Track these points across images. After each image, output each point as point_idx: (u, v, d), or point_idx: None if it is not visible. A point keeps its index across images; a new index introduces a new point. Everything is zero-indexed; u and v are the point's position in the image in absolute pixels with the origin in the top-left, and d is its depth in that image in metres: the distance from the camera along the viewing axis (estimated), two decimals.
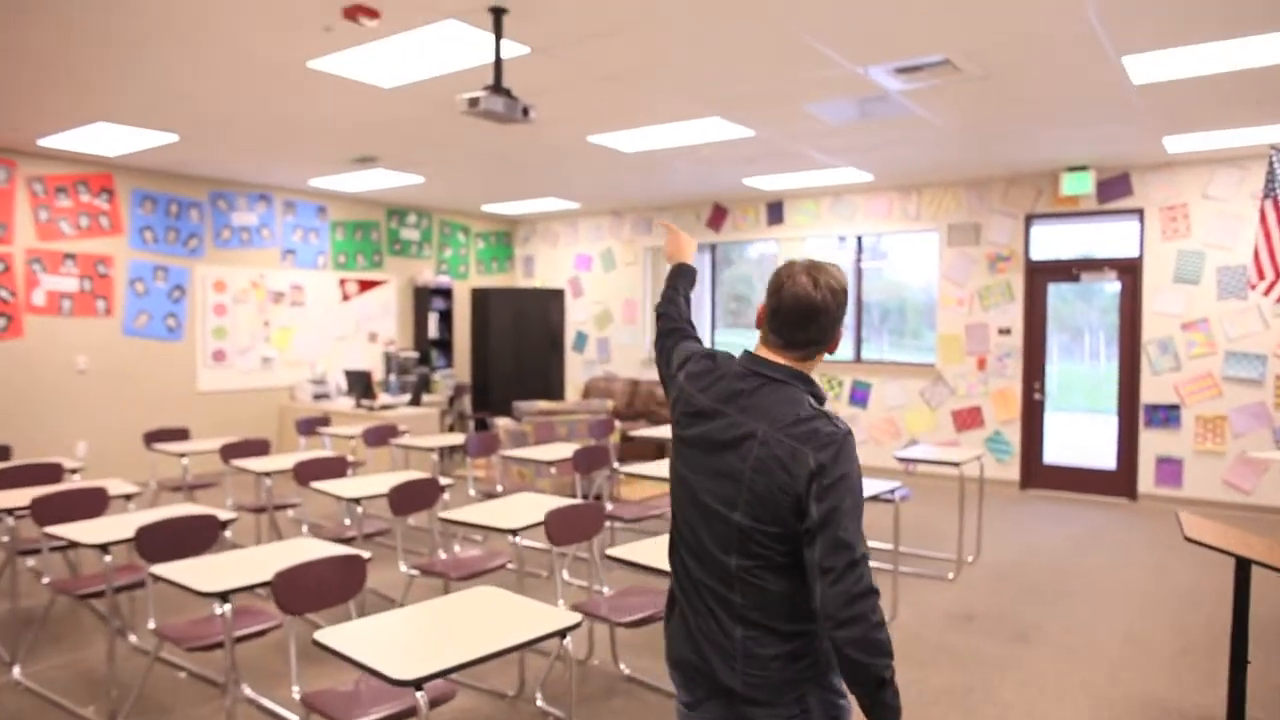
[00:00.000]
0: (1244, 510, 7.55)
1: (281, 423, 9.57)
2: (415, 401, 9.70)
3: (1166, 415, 7.97)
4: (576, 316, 11.84)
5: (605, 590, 3.93)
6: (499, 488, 6.52)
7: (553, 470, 6.02)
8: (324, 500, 4.92)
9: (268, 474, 5.40)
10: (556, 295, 11.62)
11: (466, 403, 11.30)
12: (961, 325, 8.96)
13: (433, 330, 11.12)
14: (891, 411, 9.40)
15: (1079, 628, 4.69)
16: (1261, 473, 7.55)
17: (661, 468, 5.69)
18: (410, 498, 4.54)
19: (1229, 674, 3.22)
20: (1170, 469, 7.97)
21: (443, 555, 4.66)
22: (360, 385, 9.05)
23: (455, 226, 11.67)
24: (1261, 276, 5.94)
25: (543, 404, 8.03)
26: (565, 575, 5.33)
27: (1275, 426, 7.49)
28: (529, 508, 4.23)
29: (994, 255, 8.77)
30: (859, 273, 9.74)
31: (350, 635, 2.46)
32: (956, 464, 5.81)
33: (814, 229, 9.86)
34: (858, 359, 9.75)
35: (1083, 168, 7.97)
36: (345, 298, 10.35)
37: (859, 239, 9.70)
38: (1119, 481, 8.24)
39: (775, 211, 10.09)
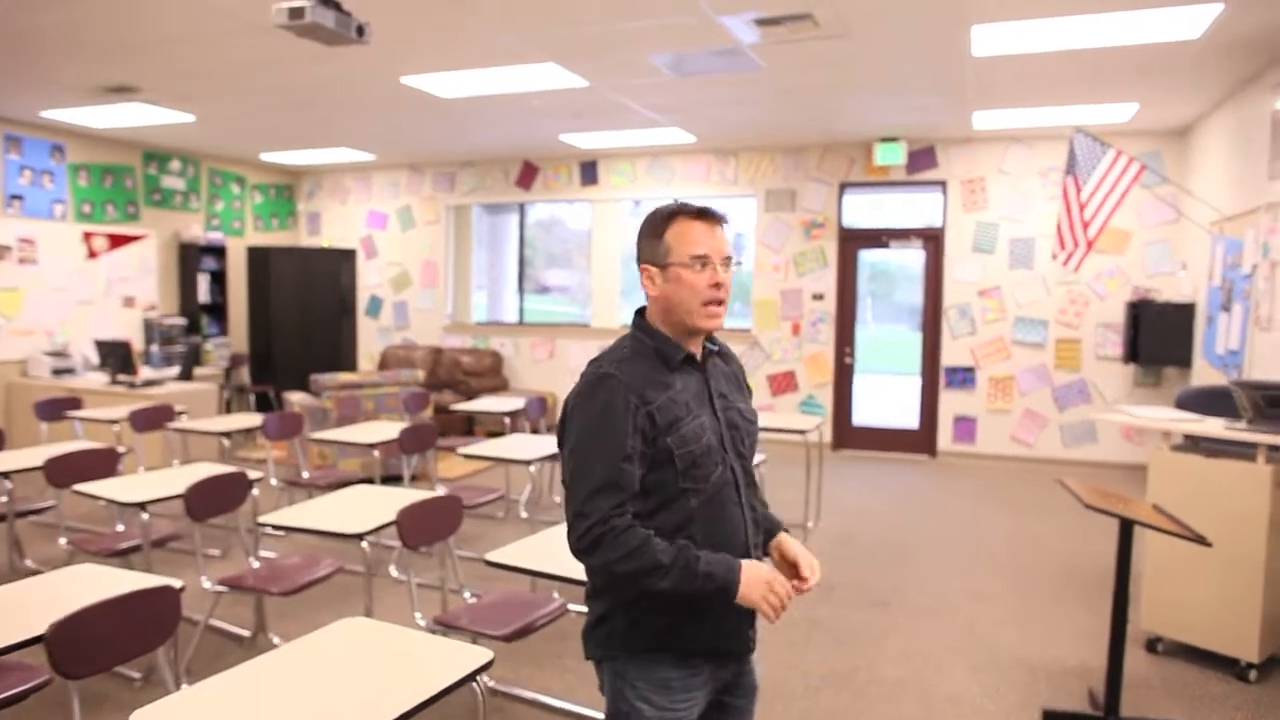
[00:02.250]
0: (1028, 462, 8.18)
1: (10, 405, 7.98)
2: (185, 376, 8.46)
3: (964, 377, 8.45)
4: (370, 279, 10.84)
5: (469, 596, 3.41)
6: (304, 474, 5.72)
7: (376, 453, 5.31)
8: (78, 499, 3.98)
9: (5, 474, 4.33)
10: (347, 256, 10.55)
11: (245, 375, 10.05)
12: (777, 291, 9.03)
13: (203, 294, 9.72)
14: None
15: (931, 590, 4.74)
16: (1042, 428, 8.19)
17: (489, 445, 5.17)
18: (212, 498, 3.74)
19: (1110, 629, 3.26)
20: (966, 426, 8.48)
21: (255, 564, 3.89)
22: (117, 358, 7.70)
23: (229, 176, 10.24)
24: (1063, 247, 6.30)
25: (345, 376, 7.17)
26: (404, 579, 4.71)
27: (1055, 386, 8.14)
28: (365, 503, 3.60)
29: (809, 222, 8.87)
30: None
31: None
32: (803, 432, 5.74)
33: (630, 190, 9.55)
34: None
35: (894, 139, 8.18)
36: (92, 254, 8.76)
37: (674, 201, 9.48)
38: (921, 440, 8.68)
39: (589, 171, 9.67)
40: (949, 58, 5.41)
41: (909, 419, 8.77)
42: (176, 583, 2.47)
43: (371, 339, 10.85)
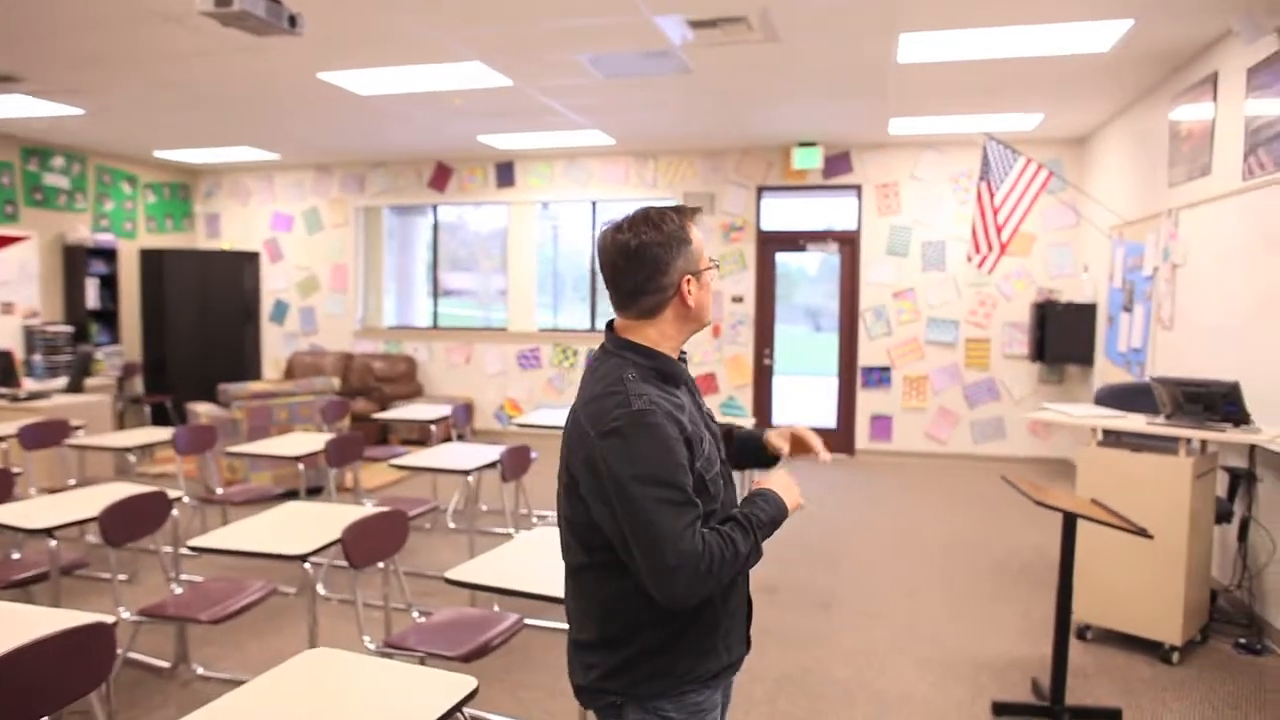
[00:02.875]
0: (941, 458, 8.44)
1: None
2: (74, 387, 7.88)
3: (880, 376, 8.66)
4: (275, 283, 10.36)
5: (417, 615, 3.25)
6: (218, 490, 5.40)
7: (301, 466, 5.04)
8: None
9: None
10: (250, 259, 10.07)
11: (138, 385, 9.46)
12: None
13: (91, 299, 9.10)
14: None
15: (868, 590, 4.81)
16: (954, 425, 8.47)
17: (424, 455, 5.00)
18: (130, 520, 3.46)
19: (1055, 620, 3.36)
20: (882, 425, 8.70)
21: (177, 590, 3.63)
22: None
23: (119, 175, 9.61)
24: (978, 250, 6.52)
25: (256, 385, 6.82)
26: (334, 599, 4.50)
27: (965, 384, 8.43)
28: (298, 521, 3.41)
29: (728, 225, 8.94)
30: (594, 239, 9.47)
31: None
32: None
33: (548, 192, 9.42)
34: (593, 328, 9.53)
35: (812, 143, 8.32)
36: None
37: (594, 204, 9.43)
38: (839, 439, 8.84)
39: (506, 173, 9.50)
40: (875, 64, 5.52)
41: (827, 418, 8.93)
42: (107, 617, 2.26)
43: (277, 345, 10.38)
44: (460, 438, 6.58)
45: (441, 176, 9.67)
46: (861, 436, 8.73)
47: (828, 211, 8.88)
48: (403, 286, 10.63)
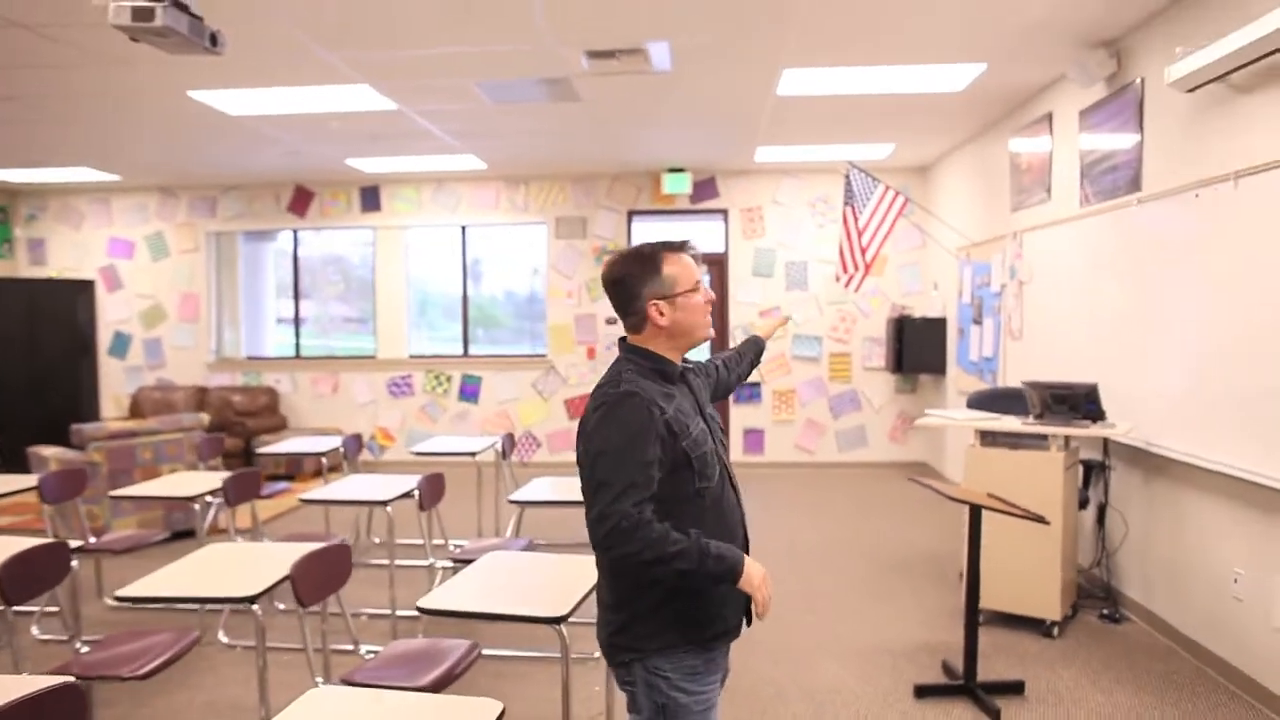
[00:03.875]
0: (811, 467, 8.91)
1: None
2: None
3: (751, 392, 9.05)
4: (114, 314, 9.60)
5: (364, 651, 3.17)
6: (90, 539, 4.97)
7: (197, 506, 4.71)
8: None
9: None
10: (84, 288, 9.31)
11: None
12: (571, 316, 9.17)
13: None
14: (504, 405, 9.27)
15: (780, 595, 4.98)
16: (820, 435, 8.97)
17: (334, 488, 4.82)
18: (29, 575, 3.17)
19: (965, 606, 3.69)
20: (755, 438, 9.08)
21: (83, 648, 3.34)
22: None
23: None
24: (845, 270, 6.99)
25: (115, 424, 6.32)
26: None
27: (830, 396, 8.95)
28: (223, 563, 3.24)
29: (600, 248, 9.11)
30: (464, 264, 9.40)
31: None
32: None
33: (416, 217, 9.27)
34: (465, 353, 9.42)
35: (681, 169, 8.64)
36: None
37: (463, 229, 9.35)
38: None
39: (371, 197, 9.27)
40: (756, 96, 5.85)
41: None
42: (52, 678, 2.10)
43: (117, 381, 9.60)
44: (354, 470, 6.35)
45: (301, 200, 9.31)
46: (735, 450, 9.07)
47: (696, 234, 9.18)
48: (255, 315, 10.11)
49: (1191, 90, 3.83)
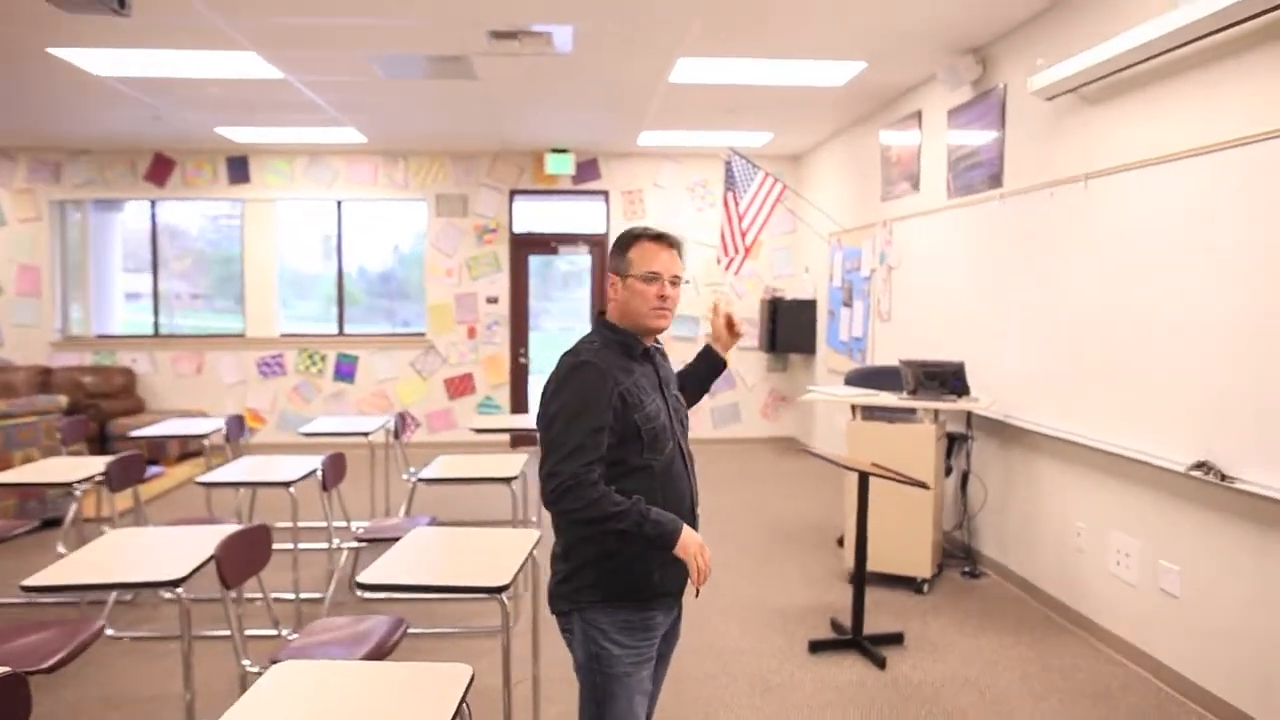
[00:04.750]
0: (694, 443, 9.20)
1: None
2: None
3: None
4: None
5: (287, 634, 3.15)
6: None
7: (78, 491, 4.44)
8: None
9: None
10: None
11: None
12: (451, 295, 9.09)
13: None
14: (382, 384, 9.10)
15: None
16: (695, 412, 9.28)
17: (227, 471, 4.66)
18: None
19: (854, 567, 4.02)
20: None
21: None
22: None
23: None
24: (727, 253, 7.28)
25: None
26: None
27: None
28: (126, 548, 3.15)
29: (481, 227, 9.06)
30: (339, 240, 9.13)
31: None
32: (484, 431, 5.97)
33: (287, 190, 8.92)
34: (341, 332, 9.18)
35: (564, 150, 8.70)
36: None
37: (339, 204, 9.08)
38: None
39: (239, 168, 8.84)
40: (649, 82, 6.00)
41: None
42: None
43: None
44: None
45: (161, 169, 8.77)
46: None
47: (579, 215, 9.30)
48: (105, 291, 9.44)
49: (1050, 99, 4.27)
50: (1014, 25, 4.72)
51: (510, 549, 2.98)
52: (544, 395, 2.08)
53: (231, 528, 3.18)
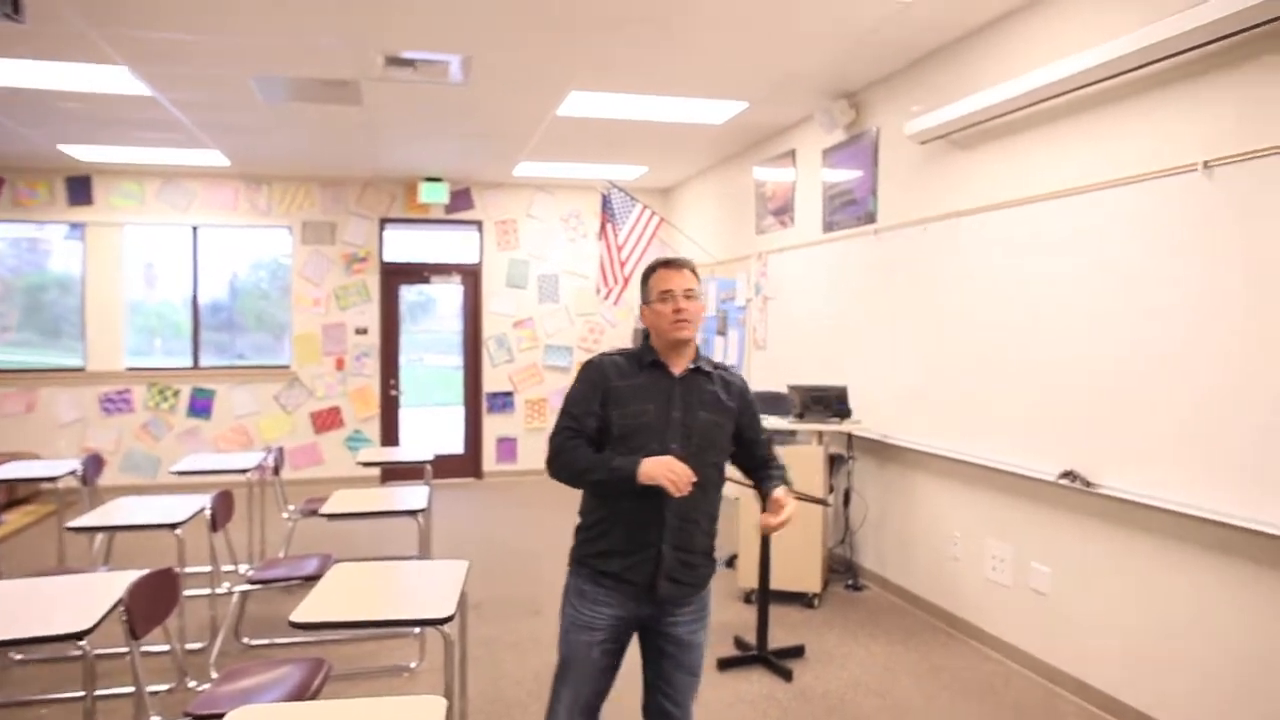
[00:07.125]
0: None
1: None
2: None
3: (504, 401, 9.21)
4: None
5: (194, 685, 2.96)
6: None
7: None
8: None
9: None
10: None
11: None
12: (318, 325, 8.76)
13: None
14: (242, 419, 8.62)
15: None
16: None
17: (99, 514, 4.29)
18: None
19: (759, 586, 4.18)
20: (508, 447, 9.24)
21: None
22: None
23: None
24: (606, 284, 7.41)
25: None
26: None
27: None
28: (38, 596, 2.88)
29: (350, 255, 8.80)
30: (195, 268, 8.62)
31: None
32: (422, 462, 5.84)
33: (137, 214, 8.34)
34: (195, 365, 8.64)
35: (438, 179, 8.60)
36: None
37: (194, 230, 8.58)
38: (467, 464, 9.19)
39: (80, 189, 8.21)
40: (537, 114, 6.06)
41: (456, 445, 9.20)
42: None
43: None
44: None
45: None
46: (489, 459, 9.17)
47: (451, 245, 9.19)
48: None
49: (924, 143, 4.66)
50: (886, 74, 5.12)
51: (441, 580, 2.94)
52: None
53: (130, 574, 2.95)
